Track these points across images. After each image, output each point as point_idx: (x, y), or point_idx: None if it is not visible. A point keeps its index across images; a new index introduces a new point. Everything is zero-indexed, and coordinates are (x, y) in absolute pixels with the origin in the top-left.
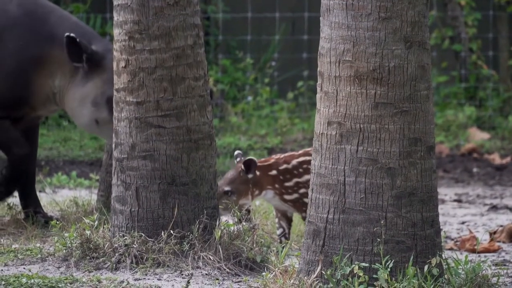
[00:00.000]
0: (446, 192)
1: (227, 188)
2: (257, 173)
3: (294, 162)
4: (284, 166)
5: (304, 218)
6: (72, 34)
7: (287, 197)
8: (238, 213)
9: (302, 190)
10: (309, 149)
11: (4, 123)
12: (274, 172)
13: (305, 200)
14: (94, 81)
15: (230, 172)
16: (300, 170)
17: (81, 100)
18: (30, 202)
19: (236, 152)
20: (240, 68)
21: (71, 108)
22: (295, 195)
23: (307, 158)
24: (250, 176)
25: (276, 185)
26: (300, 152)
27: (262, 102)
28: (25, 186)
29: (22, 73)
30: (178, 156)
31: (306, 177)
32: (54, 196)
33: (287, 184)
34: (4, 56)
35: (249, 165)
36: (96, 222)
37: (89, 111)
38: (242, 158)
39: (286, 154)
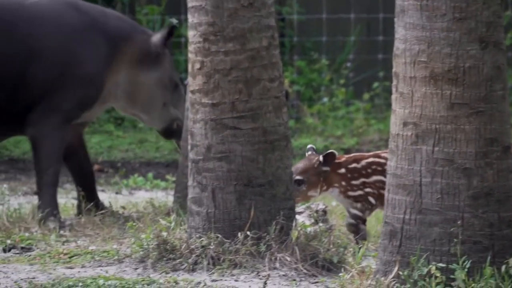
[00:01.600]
0: None
1: (298, 177)
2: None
3: (364, 162)
4: (353, 165)
5: (352, 215)
6: (175, 22)
7: (351, 193)
8: (315, 215)
9: (367, 189)
10: (380, 151)
11: (68, 131)
12: (343, 170)
13: (370, 198)
14: (162, 66)
15: (302, 162)
16: (369, 170)
17: (156, 84)
18: (93, 197)
19: (308, 146)
20: (315, 69)
21: (146, 91)
22: (359, 192)
23: (376, 159)
24: (326, 168)
25: (343, 183)
26: (371, 153)
27: (337, 103)
28: (86, 186)
29: (99, 73)
30: (254, 157)
31: (373, 178)
32: (130, 198)
33: (353, 182)
34: (80, 59)
35: (329, 158)
36: (173, 224)
37: (162, 94)
38: (314, 152)
39: (357, 154)
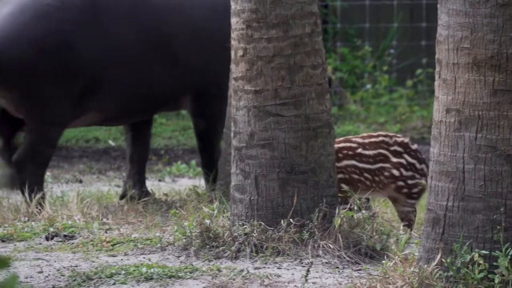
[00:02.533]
0: None
1: None
2: None
3: (335, 146)
4: None
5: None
6: None
7: None
8: (358, 201)
9: (339, 176)
10: (350, 136)
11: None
12: None
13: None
14: None
15: None
16: (339, 155)
17: None
18: (140, 182)
19: None
20: (358, 56)
21: None
22: None
23: (347, 144)
24: None
25: None
26: (341, 138)
27: (381, 90)
28: (136, 170)
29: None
30: (297, 144)
31: (344, 162)
32: (173, 185)
33: None
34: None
35: None
36: (216, 211)
37: None
38: None
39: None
